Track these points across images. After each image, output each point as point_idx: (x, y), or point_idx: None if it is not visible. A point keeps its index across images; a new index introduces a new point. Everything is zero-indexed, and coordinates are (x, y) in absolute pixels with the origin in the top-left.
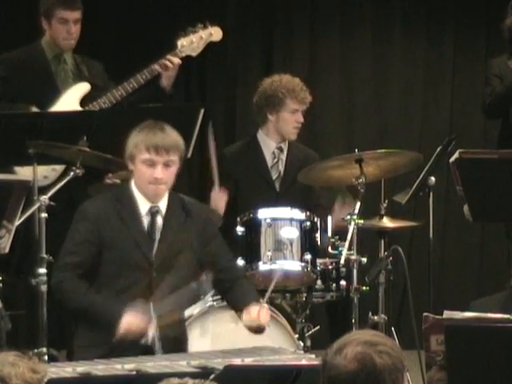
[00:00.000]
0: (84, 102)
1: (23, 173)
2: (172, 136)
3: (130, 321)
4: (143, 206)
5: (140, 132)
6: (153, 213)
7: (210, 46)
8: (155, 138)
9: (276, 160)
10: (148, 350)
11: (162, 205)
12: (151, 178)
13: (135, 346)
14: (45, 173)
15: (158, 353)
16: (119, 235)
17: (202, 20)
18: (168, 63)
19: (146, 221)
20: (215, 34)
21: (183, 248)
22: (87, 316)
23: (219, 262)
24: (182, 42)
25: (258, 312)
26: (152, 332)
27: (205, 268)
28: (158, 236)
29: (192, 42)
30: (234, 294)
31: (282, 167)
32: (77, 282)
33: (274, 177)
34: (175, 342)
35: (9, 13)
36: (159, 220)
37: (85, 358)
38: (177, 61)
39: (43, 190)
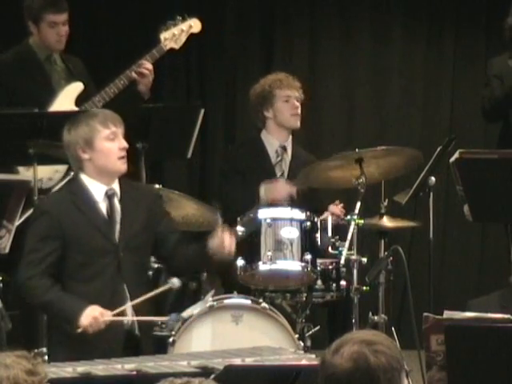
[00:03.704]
0: (78, 101)
1: (27, 173)
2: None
3: (90, 315)
4: (98, 192)
5: (81, 121)
6: (109, 196)
7: (211, 47)
8: (104, 114)
9: (279, 159)
10: (130, 331)
11: (116, 187)
12: (119, 151)
13: (118, 330)
14: (49, 175)
15: (137, 333)
16: (79, 224)
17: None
18: (143, 70)
19: (103, 206)
20: (195, 25)
21: (142, 227)
22: (49, 311)
23: (169, 240)
24: (164, 36)
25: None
26: (130, 312)
27: (156, 247)
28: (118, 218)
29: (174, 35)
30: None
31: (285, 167)
32: (41, 279)
33: (278, 175)
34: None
35: None
36: (116, 202)
37: (62, 353)
38: (150, 66)
39: (48, 191)
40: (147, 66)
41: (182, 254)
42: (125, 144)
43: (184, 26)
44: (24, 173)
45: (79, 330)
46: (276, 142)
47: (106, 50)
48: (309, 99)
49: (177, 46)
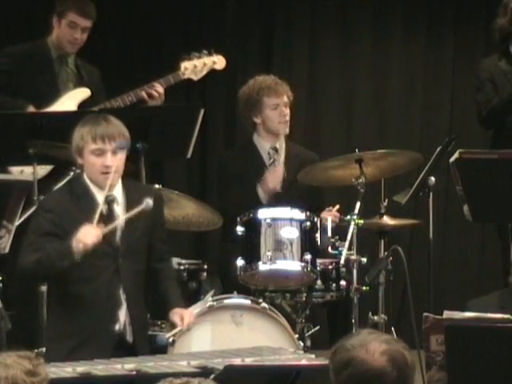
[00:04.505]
0: (82, 107)
1: (17, 172)
2: (115, 124)
3: (84, 232)
4: (98, 195)
5: (84, 125)
6: (109, 201)
7: (211, 47)
8: (99, 127)
9: (272, 160)
10: (120, 337)
11: (117, 193)
12: (102, 167)
13: (108, 333)
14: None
15: (128, 338)
16: (79, 225)
17: (201, 23)
18: (154, 92)
19: (104, 208)
20: (219, 62)
21: (143, 233)
22: (44, 262)
23: (158, 248)
24: (185, 65)
25: (183, 317)
26: (123, 317)
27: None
28: (120, 222)
29: (195, 67)
30: (163, 290)
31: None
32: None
33: None
34: (144, 325)
35: (16, 7)
36: (116, 207)
37: (57, 350)
38: (161, 90)
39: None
40: (158, 89)
41: (156, 278)
42: (109, 162)
43: (207, 60)
44: (14, 171)
45: (80, 249)
46: (267, 144)
47: (108, 56)
48: (308, 99)
49: (196, 78)
